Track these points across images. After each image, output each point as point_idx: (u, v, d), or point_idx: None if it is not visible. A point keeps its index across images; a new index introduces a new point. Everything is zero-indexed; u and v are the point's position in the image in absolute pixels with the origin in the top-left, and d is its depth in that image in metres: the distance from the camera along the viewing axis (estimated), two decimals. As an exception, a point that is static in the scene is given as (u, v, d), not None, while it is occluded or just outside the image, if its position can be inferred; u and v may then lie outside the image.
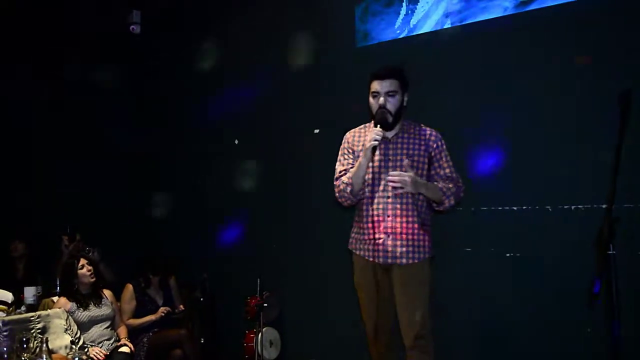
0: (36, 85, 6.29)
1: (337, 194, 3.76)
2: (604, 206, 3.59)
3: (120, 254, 5.98)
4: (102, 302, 4.81)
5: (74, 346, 4.16)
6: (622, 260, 2.70)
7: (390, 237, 3.57)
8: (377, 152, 3.60)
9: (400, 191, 3.50)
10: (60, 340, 4.14)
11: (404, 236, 3.55)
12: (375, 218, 3.60)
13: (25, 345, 3.60)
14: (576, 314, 3.80)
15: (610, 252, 2.62)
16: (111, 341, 4.73)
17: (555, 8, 4.11)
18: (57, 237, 5.92)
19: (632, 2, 3.85)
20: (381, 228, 3.58)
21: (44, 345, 3.60)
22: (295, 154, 5.57)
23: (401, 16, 4.88)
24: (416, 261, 3.55)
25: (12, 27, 6.16)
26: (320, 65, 5.41)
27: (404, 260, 3.55)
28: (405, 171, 3.47)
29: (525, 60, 4.22)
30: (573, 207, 3.92)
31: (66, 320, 4.32)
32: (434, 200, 3.58)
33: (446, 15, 4.62)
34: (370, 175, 3.61)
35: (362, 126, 3.82)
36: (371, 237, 3.62)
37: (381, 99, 3.56)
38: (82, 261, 4.80)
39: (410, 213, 3.56)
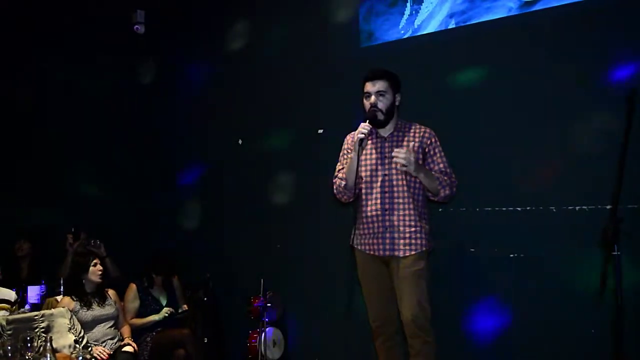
0: (38, 83, 6.29)
1: (334, 191, 3.98)
2: (608, 207, 3.58)
3: (124, 253, 5.98)
4: (106, 302, 4.82)
5: (77, 345, 4.16)
6: (627, 261, 2.69)
7: (389, 230, 3.75)
8: (374, 150, 3.86)
9: (403, 169, 3.64)
10: (64, 339, 4.14)
11: (402, 229, 3.74)
12: (374, 213, 3.80)
13: (29, 345, 3.60)
14: (580, 315, 3.79)
15: (614, 252, 2.62)
16: (114, 340, 4.73)
17: (560, 8, 4.10)
18: (62, 236, 5.92)
19: (638, 2, 3.84)
20: (379, 222, 3.78)
21: (48, 344, 3.60)
22: (298, 154, 5.56)
23: (405, 16, 4.88)
24: (413, 253, 3.71)
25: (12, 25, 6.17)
26: (325, 65, 5.40)
27: (402, 253, 3.72)
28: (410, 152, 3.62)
29: (529, 60, 4.21)
30: (577, 207, 3.91)
31: (70, 319, 4.32)
32: (430, 190, 3.76)
33: (450, 15, 4.61)
34: (367, 172, 3.83)
35: None
36: (370, 231, 3.83)
37: (372, 98, 3.81)
38: (96, 259, 4.82)
39: (407, 207, 3.75)
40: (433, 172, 3.75)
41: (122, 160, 6.80)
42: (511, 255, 4.17)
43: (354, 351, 4.98)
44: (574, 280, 3.84)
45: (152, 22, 6.83)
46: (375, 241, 3.81)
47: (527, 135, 4.17)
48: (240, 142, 6.08)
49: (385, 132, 3.89)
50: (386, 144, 3.86)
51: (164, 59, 6.87)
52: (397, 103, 3.87)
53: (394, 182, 3.77)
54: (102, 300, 4.79)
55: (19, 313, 4.40)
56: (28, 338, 3.60)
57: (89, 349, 4.31)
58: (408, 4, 4.85)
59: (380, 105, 3.79)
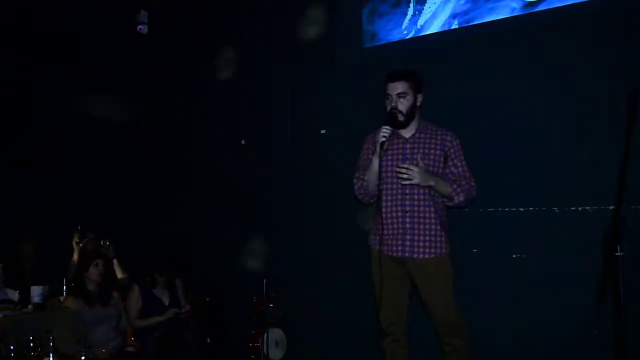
0: (39, 85, 6.32)
1: (355, 192, 3.99)
2: (611, 207, 3.57)
3: (127, 253, 6.00)
4: (109, 302, 4.82)
5: (80, 345, 4.17)
6: (629, 262, 2.68)
7: (409, 232, 3.75)
8: (396, 151, 3.83)
9: (406, 182, 3.64)
10: (66, 339, 4.14)
11: (421, 231, 3.74)
12: (393, 214, 3.79)
13: (31, 345, 3.61)
14: (583, 316, 3.77)
15: (617, 253, 2.61)
16: (117, 341, 4.74)
17: (563, 9, 4.09)
18: (68, 235, 5.95)
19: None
20: (399, 224, 3.77)
21: (50, 344, 3.62)
22: (301, 155, 5.56)
23: (408, 17, 4.87)
24: (432, 256, 3.72)
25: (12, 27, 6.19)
26: (328, 66, 5.40)
27: (420, 255, 3.72)
28: (416, 164, 3.62)
29: (532, 61, 4.20)
30: (580, 208, 3.91)
31: (72, 319, 4.32)
32: (444, 195, 3.74)
33: (453, 16, 4.61)
34: (388, 173, 3.80)
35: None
36: (389, 232, 3.81)
37: (393, 100, 3.79)
38: (99, 260, 4.82)
39: (427, 209, 3.75)
40: (451, 177, 3.76)
41: (125, 159, 6.82)
42: (514, 256, 4.17)
43: (356, 352, 4.97)
44: (577, 280, 3.83)
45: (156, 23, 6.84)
46: (394, 242, 3.80)
47: (529, 136, 4.17)
48: (243, 142, 6.09)
49: (407, 132, 3.87)
50: (407, 145, 3.84)
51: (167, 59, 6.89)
52: (418, 103, 3.84)
53: (418, 185, 3.72)
54: (106, 300, 4.79)
55: (22, 313, 4.41)
56: (31, 338, 3.62)
57: (92, 349, 4.31)
58: (411, 5, 4.85)
59: (401, 107, 3.77)
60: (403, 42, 4.90)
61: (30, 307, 4.49)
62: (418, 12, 4.81)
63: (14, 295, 4.94)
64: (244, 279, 5.79)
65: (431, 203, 3.74)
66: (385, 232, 3.83)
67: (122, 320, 4.93)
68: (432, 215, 3.74)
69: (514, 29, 4.30)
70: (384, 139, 3.65)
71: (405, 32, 4.89)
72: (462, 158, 3.81)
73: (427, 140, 3.82)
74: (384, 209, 3.82)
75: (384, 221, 3.83)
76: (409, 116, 3.81)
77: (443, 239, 3.76)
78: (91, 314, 4.64)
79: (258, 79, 5.97)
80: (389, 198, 3.82)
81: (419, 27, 4.81)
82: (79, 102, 6.55)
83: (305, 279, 5.44)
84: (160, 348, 4.92)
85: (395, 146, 3.86)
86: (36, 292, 4.55)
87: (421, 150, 3.78)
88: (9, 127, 6.14)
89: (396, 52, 4.90)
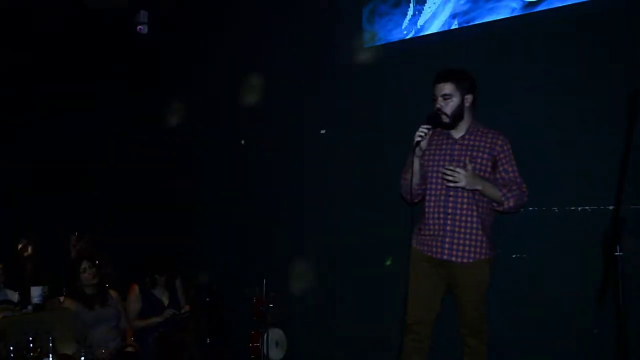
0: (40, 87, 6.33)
1: (400, 190, 3.98)
2: (610, 207, 3.57)
3: (126, 254, 6.00)
4: (108, 302, 4.82)
5: (79, 346, 4.17)
6: (629, 262, 2.68)
7: (449, 235, 3.71)
8: (445, 152, 3.79)
9: (452, 185, 3.59)
10: (65, 340, 4.14)
11: (462, 235, 3.69)
12: (435, 215, 3.77)
13: (31, 345, 3.61)
14: (583, 315, 3.77)
15: (617, 253, 2.61)
16: (116, 341, 4.74)
17: (563, 9, 4.08)
18: (65, 237, 5.95)
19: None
20: (441, 225, 3.74)
21: (50, 345, 3.62)
22: (300, 155, 5.56)
23: (408, 17, 4.87)
24: (471, 260, 3.69)
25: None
26: (328, 66, 5.40)
27: (459, 259, 3.69)
28: (464, 167, 3.56)
29: (532, 61, 4.20)
30: (580, 208, 3.90)
31: (72, 320, 4.33)
32: (494, 200, 3.67)
33: (453, 16, 4.61)
34: (434, 174, 3.78)
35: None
36: (431, 233, 3.79)
37: (438, 102, 3.74)
38: (84, 264, 4.80)
39: (470, 213, 3.70)
40: (501, 181, 3.69)
41: (124, 160, 6.82)
42: (514, 256, 4.16)
43: (356, 352, 4.97)
44: (577, 280, 3.83)
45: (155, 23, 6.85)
46: (435, 244, 3.76)
47: (528, 136, 4.16)
48: (243, 142, 6.09)
49: (457, 133, 3.80)
50: (456, 147, 3.78)
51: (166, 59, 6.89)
52: (467, 104, 3.75)
53: (460, 187, 3.67)
54: (104, 300, 4.80)
55: (21, 314, 4.41)
56: (30, 338, 3.62)
57: (91, 349, 4.31)
58: (411, 5, 4.85)
59: (446, 108, 3.71)
60: (403, 42, 4.90)
61: (30, 307, 4.50)
62: (418, 12, 4.81)
63: (14, 295, 4.94)
64: (244, 279, 5.79)
65: (474, 207, 3.68)
66: (427, 232, 3.81)
67: (121, 320, 4.93)
68: (475, 219, 3.68)
69: (514, 29, 4.30)
70: (419, 139, 3.63)
71: (405, 32, 4.89)
72: (513, 162, 3.71)
73: (477, 143, 3.74)
74: (427, 210, 3.81)
75: (426, 222, 3.82)
76: (456, 117, 3.74)
77: (484, 243, 3.70)
78: (90, 315, 4.65)
79: (258, 79, 5.97)
80: (433, 199, 3.79)
81: (419, 27, 4.81)
82: (77, 102, 6.55)
83: (306, 279, 5.43)
84: (159, 348, 4.92)
85: (444, 147, 3.82)
86: (36, 292, 4.55)
87: (469, 153, 3.72)
88: (8, 128, 6.13)
89: (396, 52, 4.90)
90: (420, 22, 4.80)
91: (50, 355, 3.61)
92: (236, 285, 5.84)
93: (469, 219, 3.69)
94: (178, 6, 6.63)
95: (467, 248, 3.68)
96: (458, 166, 3.59)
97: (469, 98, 3.75)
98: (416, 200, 3.88)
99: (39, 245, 5.98)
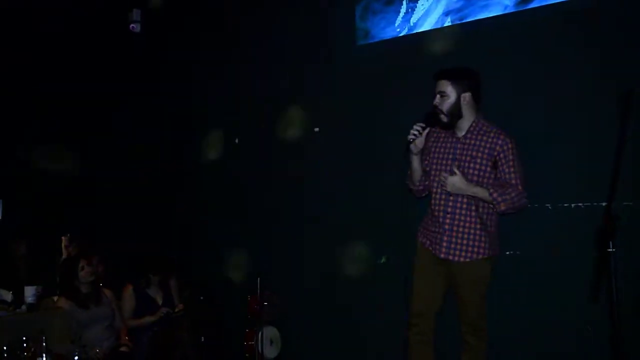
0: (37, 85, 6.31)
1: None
2: (604, 204, 3.57)
3: (120, 253, 5.99)
4: (102, 301, 4.81)
5: (73, 345, 4.16)
6: (622, 258, 2.69)
7: (447, 233, 3.73)
8: (448, 150, 3.79)
9: (449, 190, 3.67)
10: (59, 339, 4.13)
11: (460, 234, 3.71)
12: (436, 213, 3.80)
13: (24, 345, 3.60)
14: (576, 312, 3.78)
15: (610, 250, 2.62)
16: (110, 341, 4.73)
17: (555, 6, 4.09)
18: (57, 238, 5.94)
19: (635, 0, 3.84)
20: (440, 223, 3.76)
21: (43, 344, 3.61)
22: (295, 153, 5.55)
23: (401, 14, 4.87)
24: (467, 260, 3.69)
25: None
26: (321, 64, 5.40)
27: (456, 258, 3.71)
28: (452, 173, 3.62)
29: (525, 58, 4.20)
30: (573, 205, 3.91)
31: (66, 319, 4.31)
32: (489, 203, 3.65)
33: (446, 13, 4.61)
34: (437, 172, 3.79)
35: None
36: (432, 229, 3.84)
37: (435, 99, 3.76)
38: (82, 262, 4.80)
39: (468, 212, 3.71)
40: (498, 183, 3.67)
41: (120, 158, 6.81)
42: (507, 253, 4.16)
43: (351, 350, 4.98)
44: (570, 277, 3.83)
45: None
46: (436, 241, 3.79)
47: (522, 133, 4.16)
48: (237, 141, 6.07)
49: (460, 132, 3.78)
50: (458, 146, 3.76)
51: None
52: (464, 102, 3.71)
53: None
54: (98, 299, 4.79)
55: (15, 313, 4.40)
56: (24, 338, 3.60)
57: (85, 348, 4.30)
58: (404, 2, 4.85)
59: (442, 106, 3.72)
60: (396, 40, 4.90)
61: (23, 307, 4.48)
62: (411, 10, 4.81)
63: (7, 295, 4.92)
64: (238, 277, 5.79)
65: (473, 207, 3.69)
66: (431, 228, 3.85)
67: (116, 319, 4.92)
68: (474, 219, 3.69)
69: (507, 26, 4.30)
70: (412, 137, 3.68)
71: (398, 29, 4.89)
72: (513, 164, 3.64)
73: (477, 143, 3.71)
74: (431, 207, 3.86)
75: (430, 217, 3.87)
76: (453, 115, 3.72)
77: (483, 243, 3.69)
78: (85, 314, 4.63)
79: (251, 77, 5.96)
80: (435, 197, 3.82)
81: (412, 24, 4.81)
82: (73, 101, 6.54)
83: (300, 277, 5.43)
84: (154, 347, 4.91)
85: (448, 145, 3.81)
86: (30, 292, 4.54)
87: (470, 153, 3.70)
88: (5, 128, 6.12)
89: (389, 49, 4.90)
90: (413, 20, 4.80)
91: (44, 355, 3.60)
92: (231, 283, 5.84)
93: (467, 218, 3.69)
94: (171, 4, 6.64)
95: (464, 247, 3.68)
96: (459, 166, 3.63)
97: (466, 96, 3.72)
98: (423, 195, 3.98)
99: (32, 245, 5.96)
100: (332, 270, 5.14)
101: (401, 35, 4.88)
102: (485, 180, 3.68)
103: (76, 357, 3.80)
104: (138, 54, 6.93)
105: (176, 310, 5.25)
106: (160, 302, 5.25)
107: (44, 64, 6.39)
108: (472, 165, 3.68)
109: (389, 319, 4.48)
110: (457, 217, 3.71)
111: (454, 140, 3.79)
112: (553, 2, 4.09)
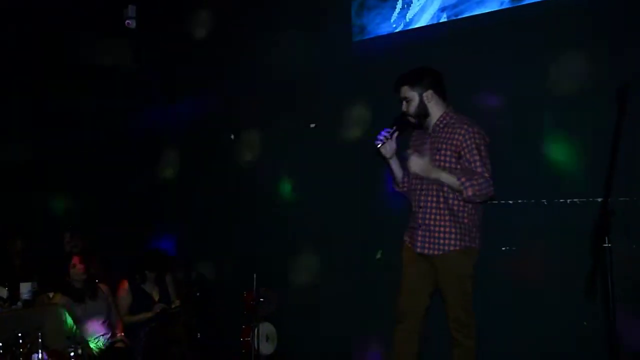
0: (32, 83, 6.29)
1: None
2: (600, 199, 3.58)
3: (117, 250, 5.99)
4: (98, 296, 4.81)
5: (69, 341, 4.16)
6: (618, 253, 2.70)
7: (422, 228, 3.80)
8: (421, 146, 3.88)
9: (411, 169, 3.73)
10: (55, 335, 4.13)
11: (431, 227, 3.77)
12: (414, 209, 3.89)
13: (20, 341, 3.60)
14: (573, 307, 3.79)
15: (606, 245, 2.62)
16: (107, 336, 4.72)
17: (551, 2, 4.09)
18: (59, 235, 5.94)
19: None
20: (416, 219, 3.84)
21: (39, 340, 3.60)
22: (292, 150, 5.55)
23: (397, 10, 4.86)
24: (442, 252, 3.74)
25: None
26: (317, 60, 5.39)
27: (430, 252, 3.77)
28: (423, 155, 3.72)
29: (521, 54, 4.20)
30: (569, 200, 3.92)
31: (62, 315, 4.31)
32: (455, 189, 3.68)
33: (442, 9, 4.60)
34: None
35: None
36: (411, 225, 3.93)
37: (403, 105, 3.88)
38: (75, 259, 4.80)
39: (437, 205, 3.77)
40: (462, 171, 3.69)
41: (114, 157, 6.80)
42: (503, 249, 4.17)
43: (346, 346, 4.98)
44: (566, 272, 3.84)
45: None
46: (414, 236, 3.86)
47: (517, 128, 4.17)
48: (232, 137, 6.07)
49: (430, 128, 3.89)
50: (429, 140, 3.86)
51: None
52: (427, 101, 3.81)
53: (428, 180, 3.76)
54: (94, 294, 4.78)
55: (11, 309, 4.39)
56: (20, 334, 3.60)
57: (81, 344, 4.30)
58: (400, -2, 4.85)
59: (409, 110, 3.85)
60: (392, 36, 4.90)
61: (19, 303, 4.48)
62: (407, 6, 4.80)
63: (3, 292, 4.90)
64: (234, 274, 5.79)
65: (441, 199, 3.74)
66: (410, 225, 3.94)
67: (112, 314, 4.92)
68: (444, 211, 3.73)
69: (503, 22, 4.29)
70: (379, 142, 3.81)
71: (394, 25, 4.89)
72: (477, 152, 3.67)
73: (442, 135, 3.79)
74: (411, 204, 3.94)
75: (410, 216, 3.96)
76: (421, 116, 3.85)
77: (454, 235, 3.72)
78: (81, 309, 4.63)
79: (246, 74, 5.96)
80: (412, 193, 3.92)
81: (407, 20, 4.80)
82: (69, 100, 6.52)
83: (296, 274, 5.43)
84: (150, 343, 4.91)
85: (422, 142, 3.92)
86: (25, 288, 4.53)
87: (437, 145, 3.78)
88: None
89: (385, 45, 4.90)
90: (409, 16, 4.80)
91: (40, 351, 3.60)
92: (227, 280, 5.84)
93: (439, 211, 3.75)
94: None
95: (436, 240, 3.74)
96: (431, 159, 3.72)
97: (428, 94, 3.81)
98: (405, 193, 4.05)
99: (29, 242, 5.95)
100: (328, 266, 5.14)
101: (397, 31, 4.87)
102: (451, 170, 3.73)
103: (72, 353, 3.80)
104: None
105: (172, 306, 5.24)
106: (156, 298, 5.25)
107: (40, 61, 6.36)
108: (437, 157, 3.75)
109: (386, 316, 4.47)
110: (429, 210, 3.78)
111: (426, 136, 3.90)
112: (549, -3, 4.10)
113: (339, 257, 5.09)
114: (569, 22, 4.01)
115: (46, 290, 4.89)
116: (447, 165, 3.72)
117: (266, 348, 5.26)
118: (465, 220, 3.75)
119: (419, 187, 3.84)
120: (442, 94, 3.86)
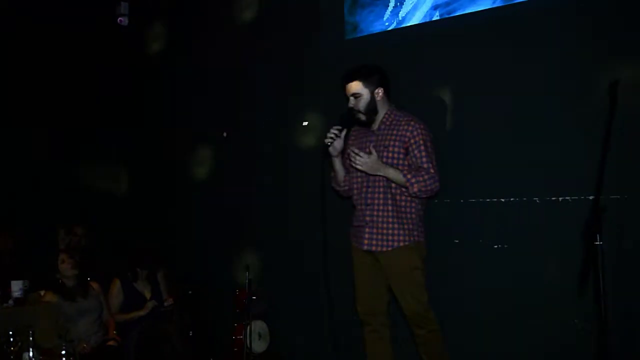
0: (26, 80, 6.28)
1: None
2: (591, 197, 3.59)
3: (109, 248, 5.98)
4: (89, 294, 4.79)
5: (61, 340, 4.14)
6: (609, 251, 2.71)
7: (368, 225, 3.83)
8: (366, 145, 3.86)
9: (359, 168, 3.70)
10: (47, 334, 4.11)
11: (378, 224, 3.81)
12: (358, 207, 3.94)
13: (11, 339, 3.58)
14: (564, 305, 3.80)
15: (597, 243, 2.63)
16: (98, 335, 4.71)
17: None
18: (55, 230, 5.92)
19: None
20: (362, 217, 3.88)
21: (31, 339, 3.59)
22: (283, 147, 5.54)
23: (390, 8, 4.86)
24: (389, 249, 3.78)
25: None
26: (310, 58, 5.39)
27: (377, 248, 3.81)
28: (369, 153, 3.67)
29: (513, 52, 4.20)
30: (560, 198, 3.92)
31: (53, 313, 4.30)
32: (402, 186, 3.74)
33: (434, 7, 4.60)
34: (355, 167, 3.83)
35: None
36: (355, 224, 3.97)
37: (350, 101, 3.90)
38: (62, 256, 4.78)
39: (384, 202, 3.81)
40: (409, 167, 3.77)
41: (109, 154, 6.80)
42: (495, 247, 4.18)
43: (339, 343, 4.98)
44: (558, 270, 3.85)
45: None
46: (359, 235, 3.90)
47: (509, 126, 4.17)
48: (225, 135, 6.06)
49: (375, 126, 3.93)
50: (373, 138, 3.91)
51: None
52: (378, 98, 3.88)
53: (374, 178, 3.81)
54: (85, 292, 4.77)
55: (2, 308, 4.37)
56: (11, 333, 3.58)
57: (73, 343, 4.28)
58: (392, -4, 4.85)
59: (359, 106, 3.87)
60: (385, 34, 4.90)
61: (10, 301, 4.46)
62: (400, 4, 4.80)
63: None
64: (227, 271, 5.78)
65: (388, 196, 3.79)
66: (354, 224, 3.98)
67: (104, 312, 4.90)
68: (389, 207, 3.79)
69: (496, 20, 4.30)
70: (330, 141, 3.81)
71: (387, 23, 4.88)
72: (424, 148, 3.76)
73: (390, 132, 3.86)
74: (353, 202, 3.99)
75: (354, 215, 4.00)
76: (370, 113, 3.88)
77: (402, 231, 3.77)
78: (72, 307, 4.61)
79: (239, 72, 5.95)
80: (356, 192, 3.95)
81: (400, 18, 4.80)
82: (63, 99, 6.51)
83: (289, 272, 5.43)
84: (142, 341, 4.90)
85: (364, 139, 3.95)
86: (16, 286, 4.51)
87: (384, 143, 3.83)
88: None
89: (378, 43, 4.89)
90: (401, 14, 4.80)
91: (31, 350, 3.58)
92: (219, 277, 5.84)
93: (386, 207, 3.79)
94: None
95: (383, 237, 3.79)
96: (367, 153, 3.70)
97: (379, 92, 3.88)
98: (350, 195, 4.06)
99: (20, 239, 5.92)
100: (321, 263, 5.13)
101: (390, 29, 4.87)
102: (399, 167, 3.77)
103: (63, 352, 3.78)
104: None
105: (165, 304, 5.23)
106: (148, 296, 5.24)
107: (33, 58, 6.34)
108: (385, 154, 3.79)
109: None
110: (376, 207, 3.82)
111: (370, 134, 3.93)
112: (542, -5, 4.10)
113: (334, 254, 5.08)
114: (562, 19, 4.01)
115: (37, 288, 4.87)
116: (395, 162, 3.79)
117: (259, 346, 5.26)
118: (413, 216, 3.82)
119: (364, 184, 3.87)
120: (388, 92, 3.94)
